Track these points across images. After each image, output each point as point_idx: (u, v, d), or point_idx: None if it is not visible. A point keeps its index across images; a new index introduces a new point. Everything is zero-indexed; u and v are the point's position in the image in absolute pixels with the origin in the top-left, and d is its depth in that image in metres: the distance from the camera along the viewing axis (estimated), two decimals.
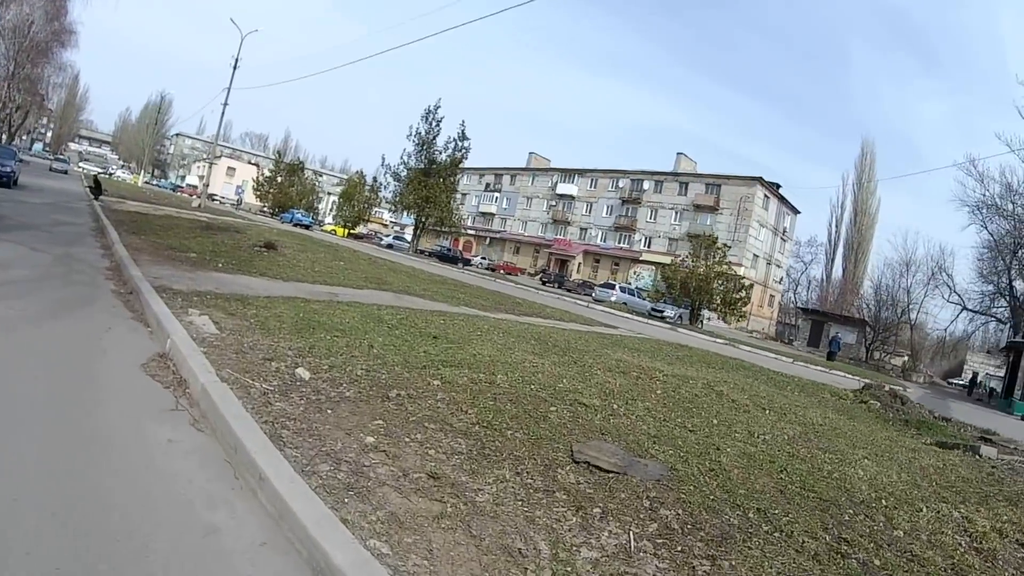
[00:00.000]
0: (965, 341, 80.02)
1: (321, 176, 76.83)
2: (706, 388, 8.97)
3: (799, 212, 72.57)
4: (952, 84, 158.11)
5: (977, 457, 9.08)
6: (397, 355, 6.61)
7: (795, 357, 28.08)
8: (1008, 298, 51.20)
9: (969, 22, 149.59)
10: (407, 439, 4.22)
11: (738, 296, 33.96)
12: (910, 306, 60.78)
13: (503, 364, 7.29)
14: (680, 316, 34.96)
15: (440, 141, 46.81)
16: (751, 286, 40.22)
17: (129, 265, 9.47)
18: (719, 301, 33.52)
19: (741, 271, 58.60)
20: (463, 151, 46.70)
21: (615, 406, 6.34)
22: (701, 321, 34.41)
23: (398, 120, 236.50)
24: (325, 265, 16.13)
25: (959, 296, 57.35)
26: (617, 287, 40.82)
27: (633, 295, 42.56)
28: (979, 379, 54.77)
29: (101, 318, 6.43)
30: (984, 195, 48.10)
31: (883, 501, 5.14)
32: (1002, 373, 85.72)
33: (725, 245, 37.47)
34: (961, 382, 76.72)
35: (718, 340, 28.24)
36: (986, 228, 50.54)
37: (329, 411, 4.44)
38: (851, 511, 4.68)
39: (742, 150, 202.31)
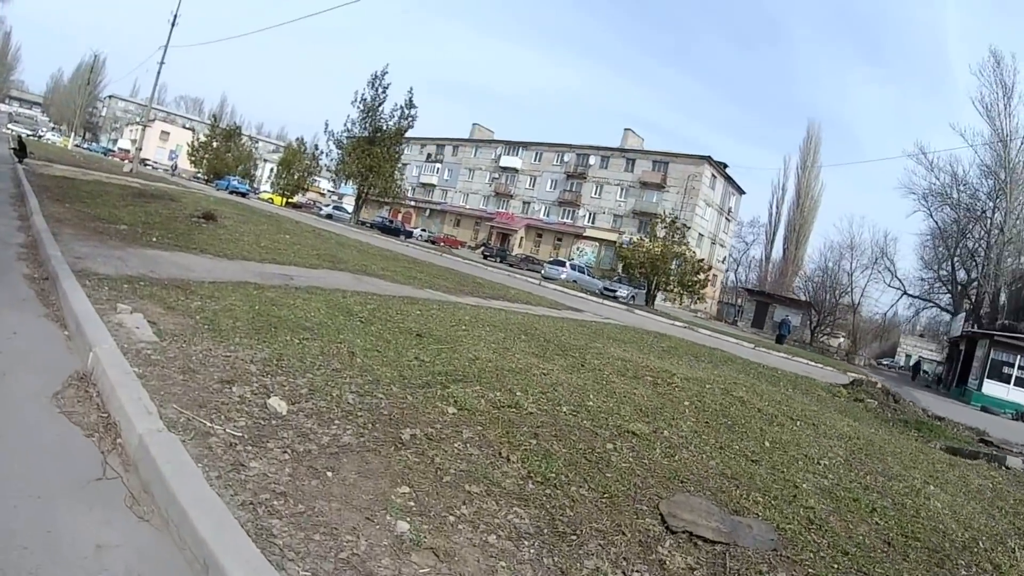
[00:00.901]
0: (899, 325, 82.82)
1: (258, 143, 72.91)
2: (725, 395, 7.89)
3: (744, 192, 73.06)
4: (892, 72, 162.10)
5: (1006, 469, 8.43)
6: (387, 366, 5.27)
7: (754, 343, 27.58)
8: (950, 286, 52.97)
9: (912, 13, 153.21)
10: (451, 517, 2.94)
11: (696, 279, 33.33)
12: (852, 289, 62.22)
13: (513, 374, 6.02)
14: (632, 296, 34.22)
15: (386, 109, 44.64)
16: (710, 268, 39.89)
17: (48, 242, 7.75)
18: (676, 282, 32.81)
19: (687, 250, 58.69)
20: (409, 119, 44.59)
21: (663, 431, 5.17)
22: (654, 302, 33.67)
23: (337, 89, 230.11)
24: (271, 239, 14.44)
25: (900, 281, 59.53)
26: (567, 264, 39.68)
27: (583, 273, 41.60)
28: (921, 364, 55.80)
29: (4, 317, 4.85)
30: (933, 184, 49.03)
31: (979, 543, 4.57)
32: (937, 357, 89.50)
33: (684, 225, 36.77)
34: (899, 364, 79.07)
35: (677, 323, 27.53)
36: (932, 216, 51.69)
37: (329, 473, 3.09)
38: (962, 561, 4.11)
39: (685, 130, 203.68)
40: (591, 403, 5.51)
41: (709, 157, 62.00)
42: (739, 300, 72.96)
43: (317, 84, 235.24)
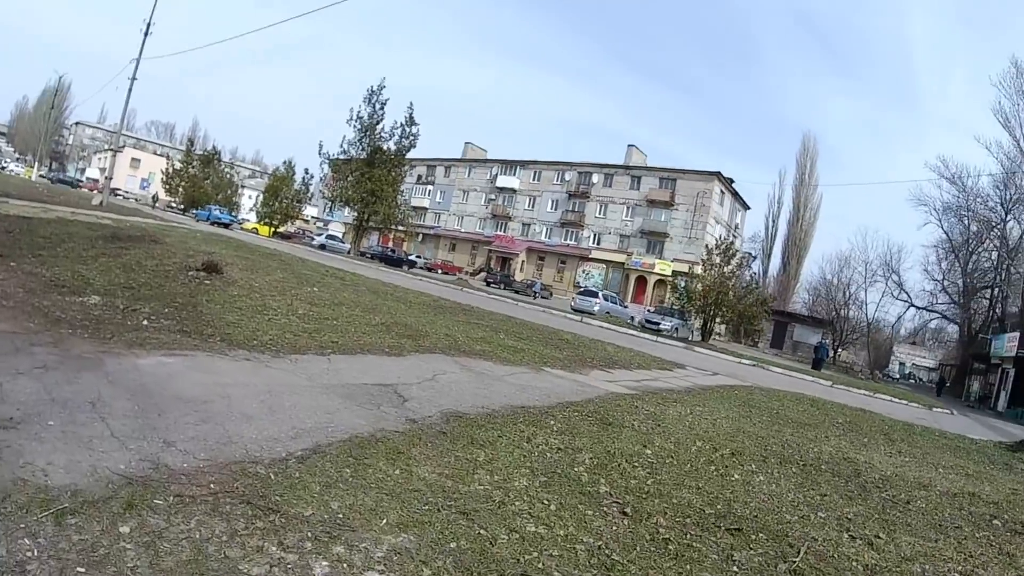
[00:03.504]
0: (905, 335, 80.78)
1: (233, 167, 68.04)
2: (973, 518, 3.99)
3: (749, 208, 69.82)
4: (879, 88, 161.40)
5: None
6: None
7: (832, 380, 23.86)
8: (956, 296, 52.26)
9: (903, 28, 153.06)
10: None
11: (755, 310, 29.56)
12: (867, 304, 60.54)
13: None
14: (676, 328, 30.40)
15: (385, 127, 40.43)
16: (771, 298, 36.30)
17: None
18: (736, 315, 29.01)
19: (698, 269, 55.15)
20: (411, 138, 40.40)
21: None
22: (710, 337, 29.80)
23: (317, 111, 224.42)
24: (303, 300, 10.35)
25: (907, 293, 58.74)
26: (600, 295, 35.62)
27: (615, 303, 37.64)
28: (946, 379, 53.13)
29: None
30: (955, 196, 48.15)
31: None
32: (930, 364, 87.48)
33: (749, 254, 33.09)
34: (898, 374, 76.51)
35: (744, 361, 23.76)
36: (942, 227, 51.14)
37: None
38: None
39: (677, 147, 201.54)
40: None
41: (719, 173, 58.70)
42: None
43: (292, 106, 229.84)
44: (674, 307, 31.91)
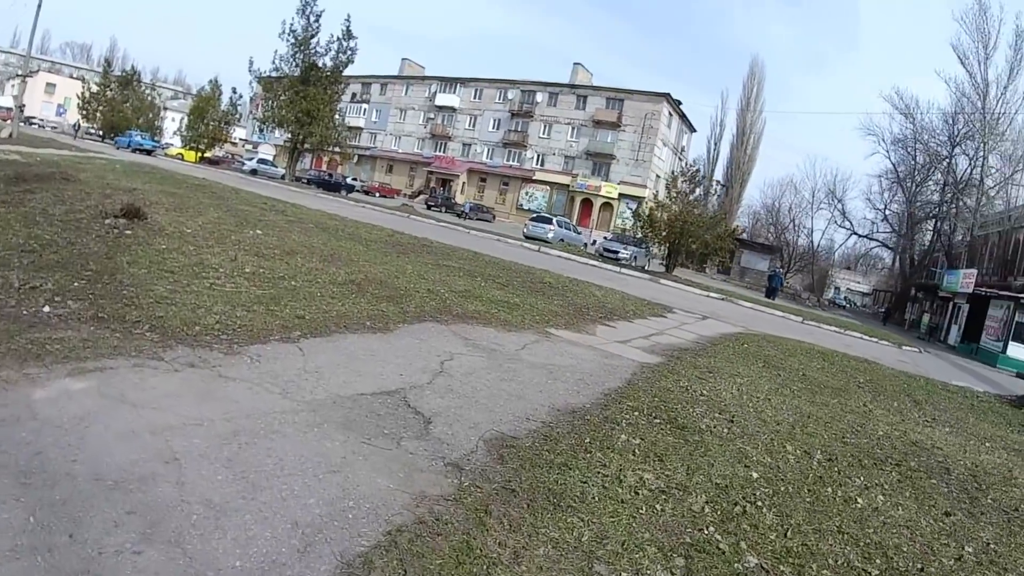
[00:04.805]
0: (839, 260, 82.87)
1: (155, 89, 62.25)
2: None
3: (696, 131, 68.62)
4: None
5: None
6: None
7: (802, 315, 23.47)
8: (902, 227, 53.70)
9: None
10: None
11: (724, 241, 28.45)
12: (812, 232, 61.51)
13: None
14: (634, 256, 29.23)
15: (321, 41, 36.85)
16: (737, 229, 35.37)
17: None
18: (706, 245, 27.85)
19: (645, 192, 54.16)
20: (348, 54, 36.97)
21: None
22: (675, 268, 28.64)
23: (245, 25, 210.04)
24: (247, 248, 8.47)
25: (850, 222, 60.63)
26: (554, 221, 33.90)
27: (569, 229, 36.06)
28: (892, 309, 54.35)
29: None
30: (903, 128, 49.09)
31: None
32: (864, 289, 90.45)
33: (719, 182, 31.73)
34: (841, 300, 78.29)
35: (712, 294, 22.83)
36: (890, 159, 51.97)
37: None
38: None
39: (620, 70, 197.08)
40: None
41: (668, 94, 56.95)
42: None
43: (218, 21, 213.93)
44: (631, 234, 30.59)
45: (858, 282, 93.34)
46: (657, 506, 3.37)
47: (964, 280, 32.67)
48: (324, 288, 7.04)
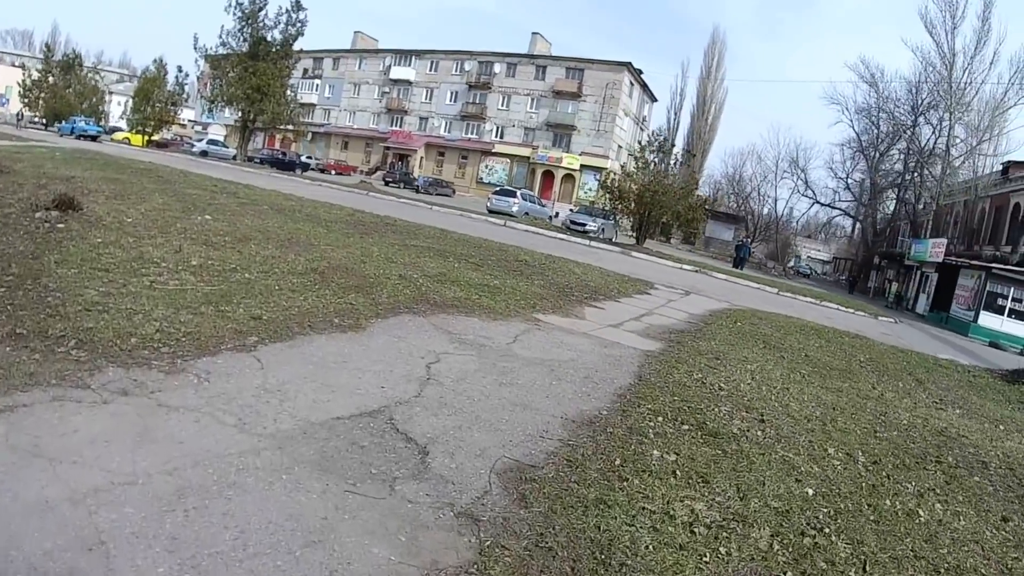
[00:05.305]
0: (799, 228, 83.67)
1: (99, 73, 59.04)
2: None
3: (657, 100, 67.93)
4: None
5: None
6: None
7: (777, 287, 23.30)
8: (865, 196, 53.94)
9: None
10: None
11: (696, 212, 27.85)
12: (777, 201, 61.74)
13: None
14: (602, 229, 28.53)
15: (269, 13, 35.04)
16: (712, 200, 34.85)
17: None
18: (677, 216, 27.20)
19: (607, 163, 53.54)
20: (299, 25, 35.26)
21: None
22: (645, 241, 27.99)
23: (186, 3, 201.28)
24: (194, 238, 7.58)
25: (812, 190, 60.47)
26: (519, 194, 32.86)
27: (534, 202, 35.10)
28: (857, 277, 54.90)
29: None
30: (867, 97, 48.28)
31: None
32: (824, 257, 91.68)
33: (688, 151, 31.00)
34: (802, 268, 78.86)
35: (685, 267, 22.35)
36: (854, 128, 51.46)
37: None
38: None
39: (579, 40, 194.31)
40: None
41: (629, 64, 55.96)
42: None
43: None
44: (599, 206, 29.78)
45: (818, 250, 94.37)
46: (721, 548, 2.72)
47: (934, 249, 32.75)
48: (283, 279, 6.21)
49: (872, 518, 3.48)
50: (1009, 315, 25.64)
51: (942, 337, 21.69)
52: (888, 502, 3.76)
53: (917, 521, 3.62)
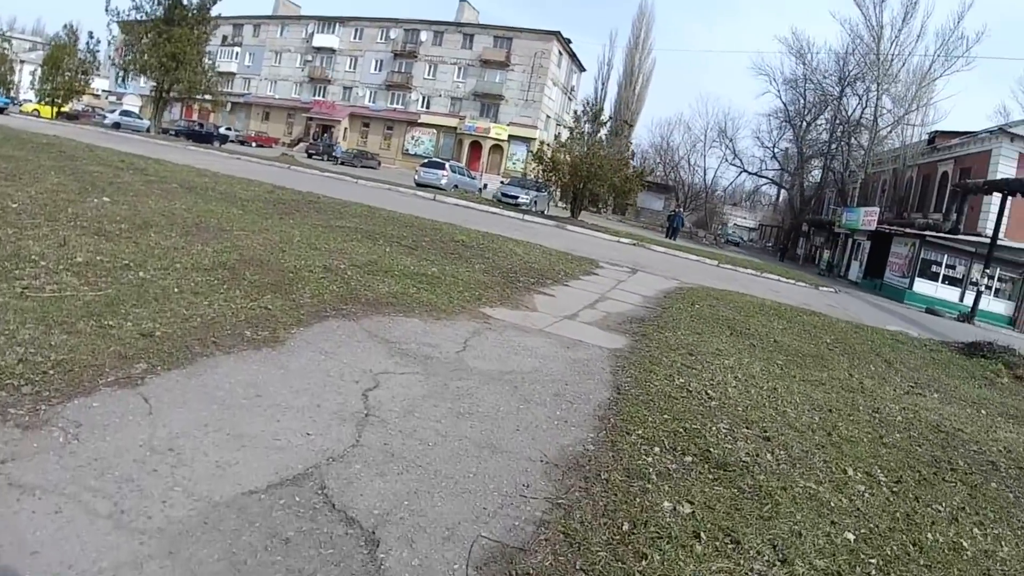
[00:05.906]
0: (725, 197, 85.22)
1: (8, 41, 54.09)
2: None
3: (585, 70, 67.30)
4: None
5: None
6: None
7: (717, 259, 23.17)
8: (791, 165, 55.72)
9: None
10: None
11: (632, 184, 27.30)
12: (706, 171, 62.56)
13: None
14: (534, 201, 27.80)
15: None
16: (649, 170, 34.23)
17: None
18: (613, 188, 26.58)
19: (536, 133, 52.87)
20: None
21: None
22: (579, 213, 27.33)
23: None
24: (84, 227, 6.40)
25: (740, 160, 62.83)
26: (447, 166, 31.65)
27: (463, 175, 33.91)
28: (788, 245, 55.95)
29: None
30: (797, 68, 49.73)
31: None
32: (750, 224, 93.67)
33: (625, 122, 30.30)
34: (738, 240, 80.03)
35: (623, 240, 21.89)
36: (781, 99, 52.89)
37: None
38: None
39: (505, 11, 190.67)
40: None
41: (558, 33, 55.16)
42: None
43: None
44: (531, 177, 28.99)
45: (744, 218, 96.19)
46: None
47: (866, 218, 33.49)
48: (184, 278, 5.15)
49: (923, 563, 2.92)
50: (943, 281, 26.76)
51: (881, 305, 22.08)
52: (929, 535, 3.22)
53: (964, 557, 3.12)
